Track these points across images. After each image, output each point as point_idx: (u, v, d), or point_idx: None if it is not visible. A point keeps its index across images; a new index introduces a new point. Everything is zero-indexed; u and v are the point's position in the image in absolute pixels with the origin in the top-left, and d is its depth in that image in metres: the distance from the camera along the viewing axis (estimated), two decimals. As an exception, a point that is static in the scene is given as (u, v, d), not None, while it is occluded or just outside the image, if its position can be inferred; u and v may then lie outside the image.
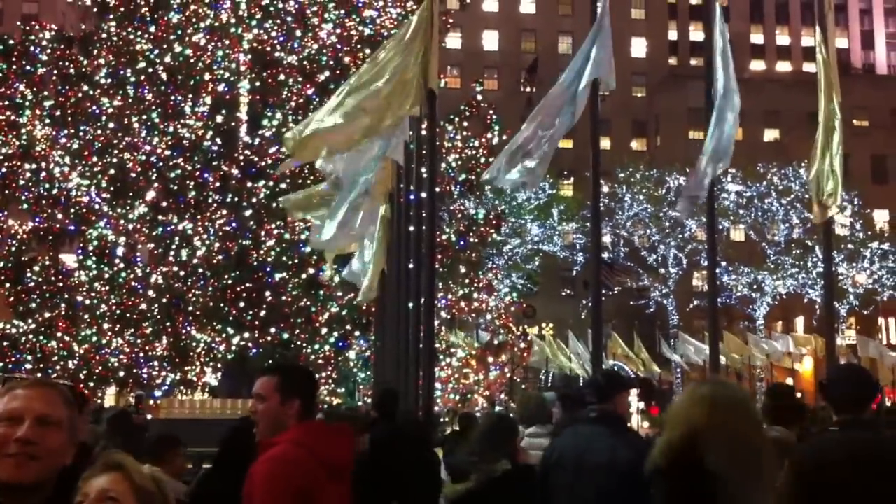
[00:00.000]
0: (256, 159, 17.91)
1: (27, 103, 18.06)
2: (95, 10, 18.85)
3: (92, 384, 18.29)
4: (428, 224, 9.57)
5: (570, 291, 60.16)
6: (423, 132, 10.44)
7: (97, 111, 18.03)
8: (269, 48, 18.44)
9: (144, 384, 17.81)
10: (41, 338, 17.63)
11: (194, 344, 17.46)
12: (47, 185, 17.95)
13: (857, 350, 43.85)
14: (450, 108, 20.93)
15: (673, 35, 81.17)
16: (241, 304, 17.28)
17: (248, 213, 17.86)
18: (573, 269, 58.87)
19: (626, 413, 5.61)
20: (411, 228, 11.43)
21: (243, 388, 15.00)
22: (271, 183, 17.89)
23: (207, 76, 17.99)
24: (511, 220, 49.81)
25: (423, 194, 10.44)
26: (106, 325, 17.54)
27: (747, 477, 3.40)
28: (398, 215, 12.53)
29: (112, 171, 17.83)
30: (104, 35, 18.52)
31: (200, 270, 17.51)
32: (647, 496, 3.77)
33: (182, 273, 17.53)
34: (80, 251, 18.27)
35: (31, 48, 18.30)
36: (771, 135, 65.23)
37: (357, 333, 18.66)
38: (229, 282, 17.40)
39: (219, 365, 17.72)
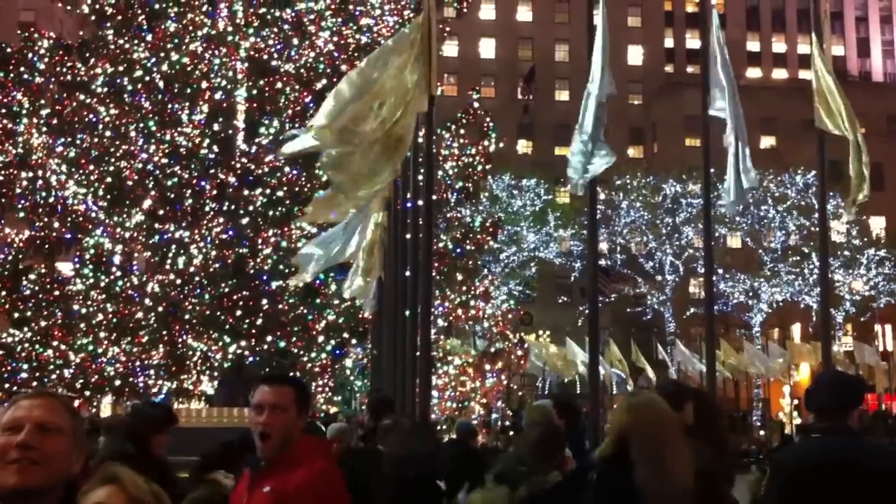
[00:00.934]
0: (253, 167, 17.91)
1: (24, 112, 18.05)
2: (93, 18, 18.85)
3: (88, 393, 18.26)
4: (425, 232, 9.58)
5: (566, 299, 60.15)
6: (420, 140, 10.45)
7: (94, 119, 18.02)
8: (266, 56, 18.45)
9: (140, 393, 17.75)
10: (37, 347, 17.58)
11: (191, 353, 17.43)
12: (44, 194, 17.92)
13: (854, 357, 43.91)
14: (447, 115, 20.94)
15: (669, 43, 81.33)
16: (238, 313, 17.26)
17: (245, 221, 17.85)
18: (570, 277, 58.86)
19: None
20: (408, 236, 11.45)
21: (240, 396, 14.98)
22: (268, 191, 17.89)
23: (204, 84, 17.99)
24: (507, 227, 49.80)
25: (420, 202, 10.46)
26: (102, 334, 17.51)
27: (659, 462, 4.11)
28: (395, 223, 12.55)
29: (109, 180, 17.81)
30: (101, 43, 18.53)
31: (197, 279, 17.49)
32: None
33: (179, 281, 17.51)
34: (76, 260, 18.24)
35: (29, 56, 18.29)
36: (767, 142, 65.33)
37: (354, 341, 18.66)
38: (226, 290, 17.39)
39: (215, 374, 17.70)
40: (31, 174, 17.84)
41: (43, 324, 17.72)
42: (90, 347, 17.50)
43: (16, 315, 17.79)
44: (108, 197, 17.80)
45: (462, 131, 21.15)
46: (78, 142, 18.02)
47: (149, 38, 18.18)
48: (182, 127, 17.87)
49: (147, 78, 17.98)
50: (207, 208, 17.82)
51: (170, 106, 17.98)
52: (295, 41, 18.82)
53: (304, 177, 17.98)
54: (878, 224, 57.79)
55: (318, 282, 17.79)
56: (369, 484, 6.03)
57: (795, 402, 47.02)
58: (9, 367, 17.52)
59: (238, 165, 17.86)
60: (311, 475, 3.77)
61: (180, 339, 17.36)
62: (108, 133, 17.94)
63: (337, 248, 12.08)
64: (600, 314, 9.51)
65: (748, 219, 54.01)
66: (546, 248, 56.77)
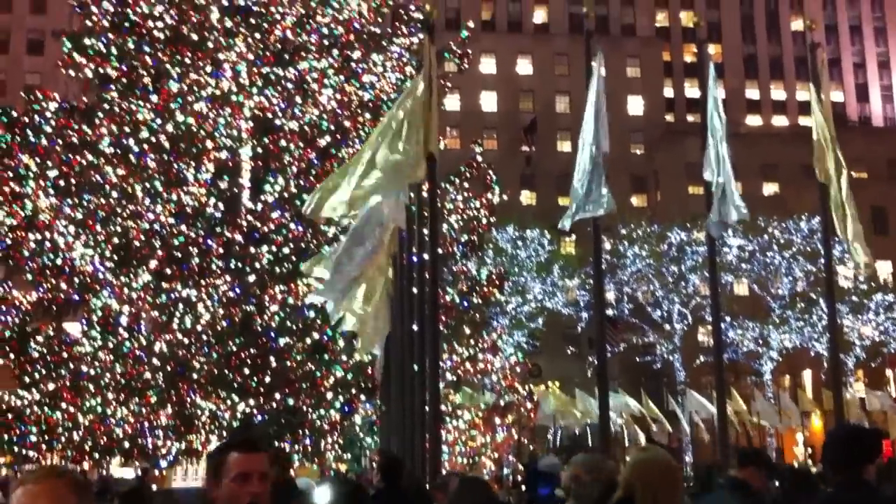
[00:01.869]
0: (259, 224, 17.98)
1: (31, 174, 18.14)
2: (97, 80, 19.05)
3: (97, 455, 18.13)
4: (431, 285, 9.59)
5: (574, 349, 59.88)
6: (424, 194, 10.51)
7: (101, 180, 18.13)
8: (270, 115, 18.64)
9: (149, 454, 17.63)
10: (46, 409, 17.50)
11: (199, 412, 17.34)
12: (51, 255, 17.95)
13: (865, 404, 43.54)
14: (450, 168, 21.07)
15: (669, 92, 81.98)
16: (246, 371, 17.21)
17: (251, 278, 17.87)
18: (577, 327, 58.65)
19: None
20: (414, 290, 11.44)
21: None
22: (274, 248, 17.94)
23: (210, 143, 18.15)
24: (513, 278, 49.76)
25: (426, 255, 10.48)
26: (110, 395, 17.44)
27: None
28: (401, 277, 12.55)
29: (116, 240, 17.87)
30: (107, 105, 18.69)
31: (204, 337, 17.47)
32: None
33: (186, 340, 17.49)
34: (84, 321, 18.22)
35: (36, 119, 18.43)
36: (770, 188, 65.52)
37: (363, 397, 18.55)
38: (233, 348, 17.35)
39: (224, 433, 17.59)
40: (38, 236, 17.90)
41: (51, 386, 17.65)
42: (98, 409, 17.42)
43: (24, 377, 17.72)
44: (115, 257, 17.84)
45: (466, 184, 21.25)
46: (85, 203, 18.11)
47: (154, 98, 18.37)
48: (188, 186, 17.99)
49: (153, 138, 18.12)
50: (214, 266, 17.86)
51: (176, 165, 18.11)
52: (298, 99, 19.02)
53: (310, 233, 18.06)
54: (884, 268, 57.64)
55: (325, 338, 17.77)
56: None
57: (809, 450, 46.55)
58: (17, 431, 17.42)
59: (244, 223, 17.93)
60: None
61: (188, 399, 17.29)
62: (114, 193, 18.04)
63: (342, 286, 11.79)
64: (609, 364, 9.47)
65: (754, 266, 53.95)
66: (553, 299, 56.64)
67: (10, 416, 17.54)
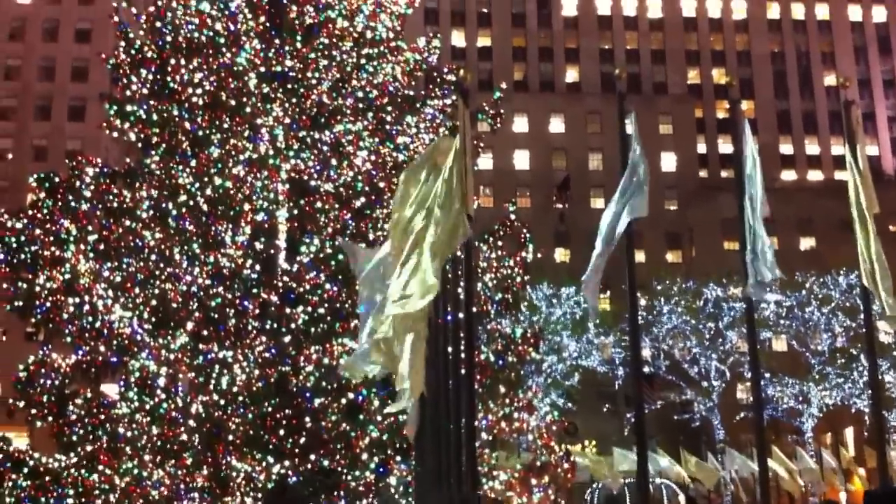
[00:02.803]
0: (295, 285, 18.12)
1: (72, 238, 18.44)
2: (139, 145, 19.44)
3: (133, 517, 18.12)
4: (466, 344, 9.60)
5: (611, 407, 59.27)
6: (459, 254, 10.58)
7: (140, 244, 18.40)
8: (306, 177, 18.89)
9: (185, 516, 17.60)
10: (83, 471, 17.57)
11: (234, 474, 17.33)
12: (90, 318, 18.16)
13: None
14: (483, 227, 21.14)
15: (702, 148, 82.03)
16: (281, 432, 17.20)
17: (286, 338, 17.96)
18: (614, 384, 58.13)
19: None
20: (449, 349, 11.44)
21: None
22: (310, 308, 18.04)
23: (247, 206, 18.40)
24: (548, 336, 49.53)
25: (461, 315, 10.50)
26: (147, 457, 17.49)
27: None
28: (436, 337, 12.56)
29: (154, 303, 18.07)
30: (146, 170, 19.04)
31: (240, 398, 17.53)
32: None
33: (222, 401, 17.55)
34: (122, 383, 18.35)
35: (76, 184, 18.77)
36: (806, 243, 65.04)
37: (398, 458, 18.44)
38: (269, 409, 17.37)
39: (259, 495, 17.54)
40: (77, 299, 18.14)
41: (89, 448, 17.74)
42: (135, 471, 17.46)
43: (62, 440, 17.84)
44: (153, 319, 18.02)
45: (499, 243, 21.30)
46: (124, 266, 18.36)
47: (193, 163, 18.70)
48: (225, 248, 18.21)
49: (191, 202, 18.40)
50: (250, 327, 17.98)
51: (213, 228, 18.35)
52: (334, 161, 19.28)
53: (345, 293, 18.15)
54: (926, 323, 56.68)
55: (360, 398, 17.75)
56: None
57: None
58: (54, 494, 17.49)
59: (280, 284, 18.08)
60: None
61: (224, 461, 17.29)
62: (153, 257, 18.29)
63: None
64: (646, 422, 9.40)
65: (792, 321, 53.38)
66: (588, 357, 56.28)
67: (47, 478, 17.61)
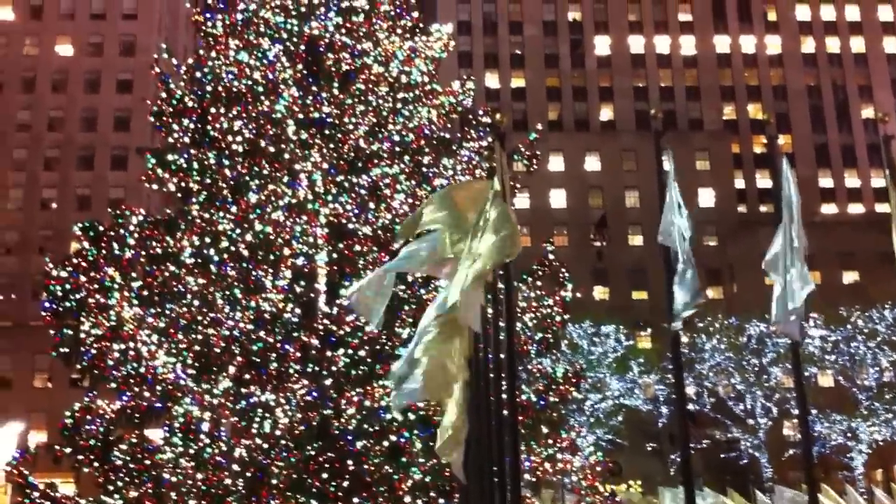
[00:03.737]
0: (335, 328, 18.22)
1: (116, 285, 18.72)
2: (180, 194, 19.75)
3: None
4: (508, 385, 9.59)
5: (655, 446, 58.55)
6: (499, 295, 10.61)
7: (182, 290, 18.64)
8: (344, 220, 19.07)
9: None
10: (128, 517, 17.69)
11: (278, 517, 17.35)
12: (135, 364, 18.37)
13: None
14: (522, 267, 21.15)
15: (740, 183, 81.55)
16: (324, 475, 17.22)
17: (328, 381, 18.04)
18: (657, 423, 57.46)
19: None
20: (491, 390, 11.43)
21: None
22: (350, 351, 18.13)
23: (287, 251, 18.60)
24: (590, 375, 49.17)
25: (502, 355, 10.51)
26: (192, 502, 17.57)
27: None
28: (477, 378, 12.56)
29: (197, 348, 18.26)
30: (188, 217, 19.33)
31: (283, 442, 17.59)
32: None
33: (265, 445, 17.62)
34: (166, 428, 18.50)
35: (120, 232, 19.09)
36: (849, 277, 64.21)
37: (442, 501, 18.35)
38: (311, 452, 17.42)
39: (303, 538, 17.53)
40: (122, 346, 18.37)
41: (134, 493, 17.86)
42: (180, 516, 17.54)
43: (108, 486, 17.97)
44: (196, 364, 18.19)
45: (538, 282, 21.28)
46: (167, 312, 18.59)
47: (233, 209, 18.95)
48: (266, 292, 18.38)
49: (232, 248, 18.64)
50: (291, 371, 18.08)
51: (254, 273, 18.55)
52: (371, 205, 19.45)
53: (385, 335, 18.21)
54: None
55: (402, 440, 17.73)
56: None
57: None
58: (100, 539, 17.61)
59: (320, 327, 18.20)
60: None
61: (267, 505, 17.31)
62: (195, 302, 18.51)
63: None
64: (691, 461, 9.30)
65: (838, 357, 52.59)
66: (631, 395, 55.76)
67: (94, 524, 17.75)
